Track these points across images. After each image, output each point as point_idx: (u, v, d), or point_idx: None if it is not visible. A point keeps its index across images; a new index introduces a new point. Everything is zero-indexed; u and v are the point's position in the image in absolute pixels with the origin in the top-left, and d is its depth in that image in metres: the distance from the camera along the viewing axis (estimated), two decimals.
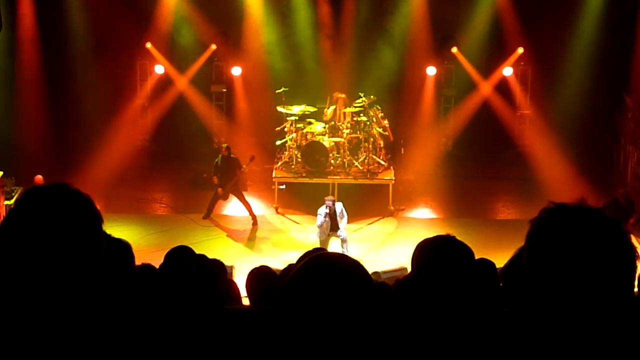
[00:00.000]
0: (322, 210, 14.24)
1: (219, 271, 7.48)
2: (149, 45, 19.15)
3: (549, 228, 2.09)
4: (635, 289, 5.28)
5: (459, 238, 3.85)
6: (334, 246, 14.34)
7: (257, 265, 13.78)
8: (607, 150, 18.50)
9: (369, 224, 16.48)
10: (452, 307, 3.05)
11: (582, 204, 2.12)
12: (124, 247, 5.66)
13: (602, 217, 2.08)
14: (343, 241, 14.33)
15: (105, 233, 2.22)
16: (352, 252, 14.25)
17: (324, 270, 2.09)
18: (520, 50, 19.03)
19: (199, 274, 5.58)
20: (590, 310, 2.02)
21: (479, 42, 19.03)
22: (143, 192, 17.57)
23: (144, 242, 15.11)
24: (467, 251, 3.27)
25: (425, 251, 3.29)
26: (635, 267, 2.08)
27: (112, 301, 2.42)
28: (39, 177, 14.48)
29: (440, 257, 3.24)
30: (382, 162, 17.85)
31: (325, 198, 14.53)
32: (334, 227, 14.34)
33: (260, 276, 6.18)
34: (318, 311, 2.01)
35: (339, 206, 14.45)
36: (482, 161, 18.74)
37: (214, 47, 19.49)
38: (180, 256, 6.10)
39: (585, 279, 2.02)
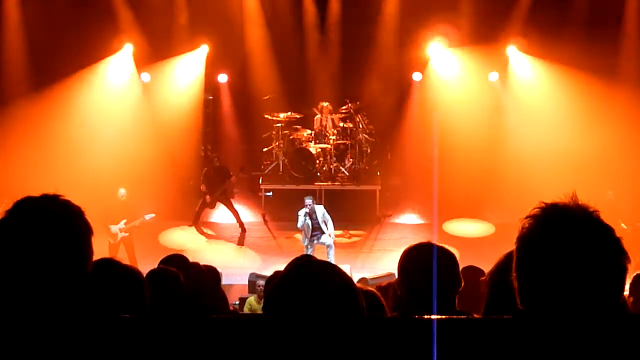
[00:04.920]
0: (302, 211, 14.18)
1: (214, 279, 7.46)
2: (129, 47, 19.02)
3: (539, 229, 2.08)
4: (626, 293, 5.28)
5: (446, 243, 3.84)
6: (320, 254, 14.29)
7: (244, 272, 13.83)
8: (594, 151, 18.49)
9: (356, 229, 16.47)
10: (435, 313, 3.04)
11: (573, 204, 2.11)
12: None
13: (592, 217, 2.08)
14: (329, 247, 14.27)
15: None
16: (340, 258, 14.22)
17: (307, 278, 2.08)
18: (510, 50, 19.01)
19: (188, 282, 5.56)
20: (581, 311, 2.02)
21: (465, 46, 19.01)
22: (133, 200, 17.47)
23: None
24: (451, 257, 3.27)
25: (408, 258, 3.29)
26: (625, 267, 2.07)
27: (94, 309, 2.40)
28: (121, 191, 14.42)
29: (423, 263, 3.24)
30: (369, 168, 17.87)
31: (305, 197, 14.46)
32: (316, 228, 14.23)
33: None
34: (300, 319, 2.00)
35: (320, 208, 14.37)
36: (469, 165, 18.73)
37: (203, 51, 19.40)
38: (174, 264, 6.07)
39: (575, 281, 2.01)
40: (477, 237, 16.89)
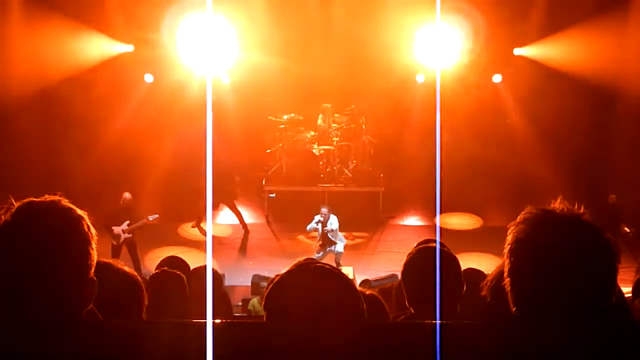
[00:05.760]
0: (317, 217, 14.24)
1: (217, 281, 7.47)
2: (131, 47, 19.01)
3: (529, 234, 2.09)
4: (629, 295, 5.26)
5: (449, 246, 3.84)
6: (328, 259, 14.26)
7: (247, 273, 13.83)
8: (598, 155, 18.52)
9: (359, 231, 16.46)
10: (438, 316, 3.04)
11: (561, 208, 2.12)
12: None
13: (580, 221, 2.09)
14: (337, 254, 14.22)
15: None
16: (343, 260, 14.23)
17: (308, 279, 2.08)
18: (517, 52, 19.01)
19: (191, 285, 5.57)
20: (574, 314, 2.03)
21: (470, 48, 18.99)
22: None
23: None
24: (453, 260, 3.27)
25: (411, 262, 3.29)
26: (616, 268, 2.08)
27: (102, 314, 2.40)
28: (126, 195, 14.37)
29: (425, 267, 3.24)
30: (372, 170, 17.87)
31: (321, 206, 14.54)
32: (325, 236, 14.28)
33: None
34: (299, 320, 2.01)
35: (333, 220, 14.31)
36: (472, 168, 18.73)
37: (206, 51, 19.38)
38: (173, 267, 6.08)
39: (567, 284, 2.02)
40: (466, 230, 17.04)
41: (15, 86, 17.91)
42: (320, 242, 14.31)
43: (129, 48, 19.03)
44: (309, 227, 14.44)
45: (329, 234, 14.20)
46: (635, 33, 17.60)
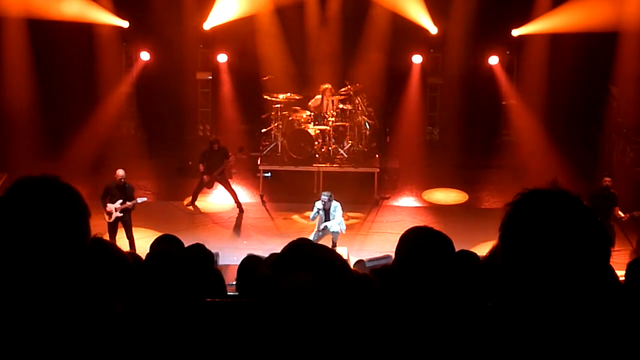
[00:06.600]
0: (319, 204, 14.14)
1: (208, 260, 7.47)
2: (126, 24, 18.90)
3: (520, 215, 2.09)
4: (622, 278, 5.29)
5: (443, 227, 3.84)
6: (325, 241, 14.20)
7: (241, 252, 13.81)
8: (593, 140, 18.58)
9: (354, 212, 16.46)
10: (430, 299, 3.05)
11: (554, 189, 2.12)
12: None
13: (573, 202, 2.09)
14: (334, 234, 14.16)
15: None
16: (338, 241, 14.23)
17: (301, 261, 2.08)
18: (514, 33, 18.94)
19: (186, 264, 5.57)
20: (565, 296, 2.03)
21: (465, 30, 18.95)
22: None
23: None
24: (446, 242, 3.26)
25: (404, 242, 3.29)
26: (608, 251, 2.08)
27: (94, 292, 2.40)
28: (120, 172, 14.25)
29: (418, 248, 3.24)
30: (367, 150, 17.86)
31: (322, 192, 14.46)
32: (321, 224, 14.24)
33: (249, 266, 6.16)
34: (292, 302, 2.01)
35: (335, 207, 14.25)
36: (467, 150, 18.76)
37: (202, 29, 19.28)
38: (168, 245, 6.07)
39: (558, 265, 2.02)
40: (453, 204, 17.12)
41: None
42: (320, 227, 14.19)
43: (124, 24, 18.92)
44: (311, 216, 14.37)
45: (331, 219, 14.09)
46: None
